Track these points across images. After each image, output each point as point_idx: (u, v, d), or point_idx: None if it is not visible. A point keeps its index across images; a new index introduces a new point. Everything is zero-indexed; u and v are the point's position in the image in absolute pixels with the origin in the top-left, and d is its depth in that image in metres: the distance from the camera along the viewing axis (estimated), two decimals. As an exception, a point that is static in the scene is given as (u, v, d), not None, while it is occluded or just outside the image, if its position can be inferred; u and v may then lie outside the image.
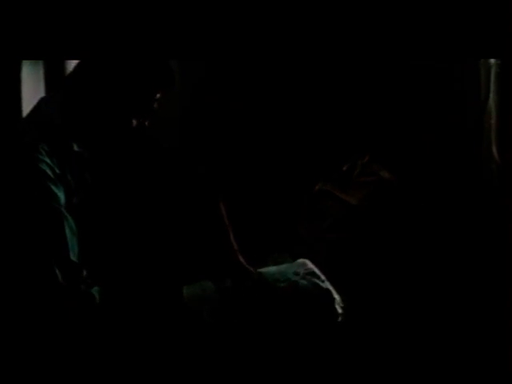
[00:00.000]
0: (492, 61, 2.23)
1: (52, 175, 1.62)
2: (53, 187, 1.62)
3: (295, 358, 1.71)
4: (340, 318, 1.67)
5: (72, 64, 1.81)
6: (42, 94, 2.12)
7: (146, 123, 1.74)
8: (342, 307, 1.68)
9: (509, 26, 1.73)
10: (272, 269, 1.73)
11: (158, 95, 1.73)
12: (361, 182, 2.24)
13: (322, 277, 1.70)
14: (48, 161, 1.63)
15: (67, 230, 1.61)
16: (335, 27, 1.75)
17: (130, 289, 1.66)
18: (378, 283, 2.11)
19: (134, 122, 1.72)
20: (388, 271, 2.13)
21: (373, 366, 1.91)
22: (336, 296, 1.68)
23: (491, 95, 2.26)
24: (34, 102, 1.77)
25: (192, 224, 1.89)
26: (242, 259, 1.80)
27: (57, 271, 1.55)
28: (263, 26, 1.75)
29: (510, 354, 1.78)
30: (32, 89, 2.16)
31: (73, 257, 1.59)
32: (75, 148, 1.69)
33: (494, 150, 2.25)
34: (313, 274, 1.69)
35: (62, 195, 1.63)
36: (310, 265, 1.72)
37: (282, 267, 1.73)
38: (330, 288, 1.68)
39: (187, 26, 1.73)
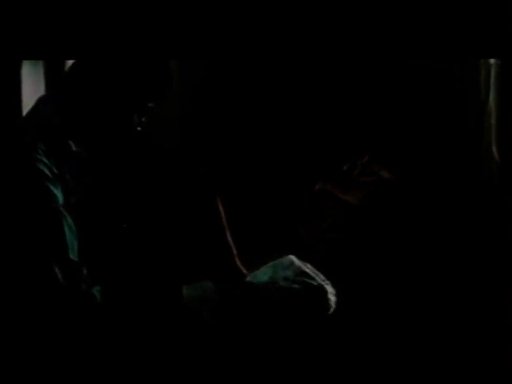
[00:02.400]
0: (492, 61, 2.23)
1: (50, 174, 1.63)
2: (51, 187, 1.62)
3: (294, 358, 1.71)
4: (333, 309, 1.65)
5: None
6: (41, 94, 2.12)
7: (143, 119, 1.75)
8: (335, 295, 1.66)
9: (509, 25, 1.73)
10: (262, 275, 1.71)
11: (156, 94, 1.73)
12: (361, 181, 2.23)
13: (312, 273, 1.68)
14: (45, 160, 1.63)
15: (66, 229, 1.61)
16: (335, 27, 1.75)
17: (129, 288, 1.66)
18: (378, 283, 2.11)
19: (132, 120, 1.72)
20: (388, 271, 2.12)
21: (372, 366, 1.91)
22: (329, 288, 1.66)
23: (491, 95, 2.26)
24: (34, 102, 1.77)
25: (192, 224, 1.89)
26: (239, 264, 1.80)
27: (56, 270, 1.55)
28: (263, 26, 1.75)
29: (510, 353, 1.78)
30: (32, 89, 2.16)
31: (72, 256, 1.59)
32: (73, 148, 1.70)
33: (494, 149, 2.25)
34: (301, 273, 1.67)
35: (59, 194, 1.63)
36: (297, 262, 1.70)
37: (270, 271, 1.70)
38: (322, 282, 1.67)
39: (187, 26, 1.73)
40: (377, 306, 2.07)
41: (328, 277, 1.70)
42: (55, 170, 1.64)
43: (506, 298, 1.78)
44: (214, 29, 1.73)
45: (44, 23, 1.70)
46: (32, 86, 2.17)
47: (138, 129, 1.74)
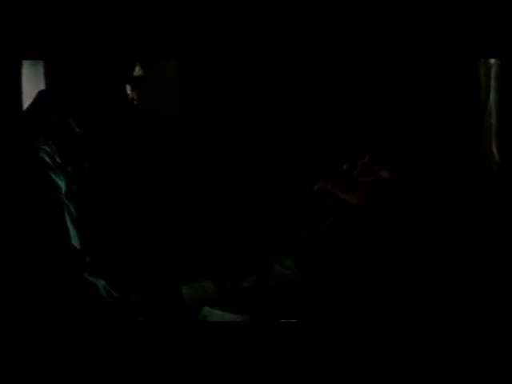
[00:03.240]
0: (492, 61, 2.23)
1: (52, 163, 1.64)
2: (53, 175, 1.63)
3: (294, 357, 1.71)
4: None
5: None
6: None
7: (136, 92, 1.76)
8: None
9: (509, 25, 1.73)
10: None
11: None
12: (361, 181, 2.23)
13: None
14: (48, 149, 1.65)
15: (68, 218, 1.62)
16: (335, 27, 1.75)
17: (129, 281, 1.66)
18: (378, 283, 2.11)
19: (125, 90, 1.73)
20: (388, 271, 2.12)
21: (371, 365, 1.91)
22: None
23: (491, 95, 2.26)
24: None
25: (192, 223, 1.89)
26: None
27: (59, 257, 1.57)
28: (263, 25, 1.75)
29: (510, 353, 1.78)
30: (32, 89, 2.16)
31: (74, 244, 1.61)
32: (76, 129, 1.71)
33: (494, 149, 2.24)
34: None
35: (62, 183, 1.65)
36: None
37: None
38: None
39: (187, 26, 1.73)
40: (377, 305, 2.07)
41: (328, 277, 1.70)
42: (57, 159, 1.65)
43: (506, 298, 1.78)
44: (213, 29, 1.73)
45: (44, 23, 1.70)
46: (32, 87, 2.17)
47: (135, 103, 1.75)
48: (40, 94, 1.80)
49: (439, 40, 1.75)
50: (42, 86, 2.20)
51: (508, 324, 1.78)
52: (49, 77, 2.22)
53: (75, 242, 1.62)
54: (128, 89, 1.75)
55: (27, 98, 2.08)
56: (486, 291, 2.04)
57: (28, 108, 1.80)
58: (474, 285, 2.13)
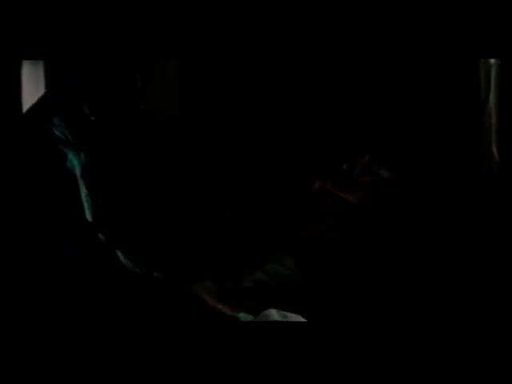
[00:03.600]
0: (492, 61, 2.23)
1: (67, 141, 1.66)
2: (67, 151, 1.65)
3: (293, 359, 1.71)
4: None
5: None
6: (41, 93, 2.12)
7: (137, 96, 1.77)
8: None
9: (509, 25, 1.73)
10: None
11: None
12: (361, 181, 2.23)
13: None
14: (63, 130, 1.67)
15: (82, 194, 1.64)
16: (335, 27, 1.75)
17: (130, 282, 1.66)
18: (378, 283, 2.11)
19: (135, 80, 1.75)
20: (388, 271, 2.12)
21: (371, 366, 1.91)
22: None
23: (491, 95, 2.26)
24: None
25: (192, 223, 1.89)
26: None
27: (74, 229, 1.58)
28: (263, 26, 1.75)
29: (510, 353, 1.78)
30: (32, 89, 2.16)
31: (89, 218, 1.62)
32: (92, 118, 1.72)
33: (494, 149, 2.25)
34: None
35: (76, 164, 1.66)
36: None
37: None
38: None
39: (187, 26, 1.73)
40: (377, 305, 2.07)
41: (328, 277, 1.70)
42: (71, 140, 1.68)
43: (506, 298, 1.78)
44: (213, 29, 1.73)
45: (44, 23, 1.70)
46: (32, 86, 2.17)
47: (141, 107, 1.77)
48: (48, 91, 1.82)
49: (439, 40, 1.75)
50: (42, 86, 2.21)
51: (508, 324, 1.78)
52: (49, 77, 2.22)
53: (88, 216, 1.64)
54: (133, 87, 1.76)
55: (27, 98, 2.09)
56: (486, 291, 2.04)
57: (38, 100, 1.82)
58: (474, 285, 2.13)
